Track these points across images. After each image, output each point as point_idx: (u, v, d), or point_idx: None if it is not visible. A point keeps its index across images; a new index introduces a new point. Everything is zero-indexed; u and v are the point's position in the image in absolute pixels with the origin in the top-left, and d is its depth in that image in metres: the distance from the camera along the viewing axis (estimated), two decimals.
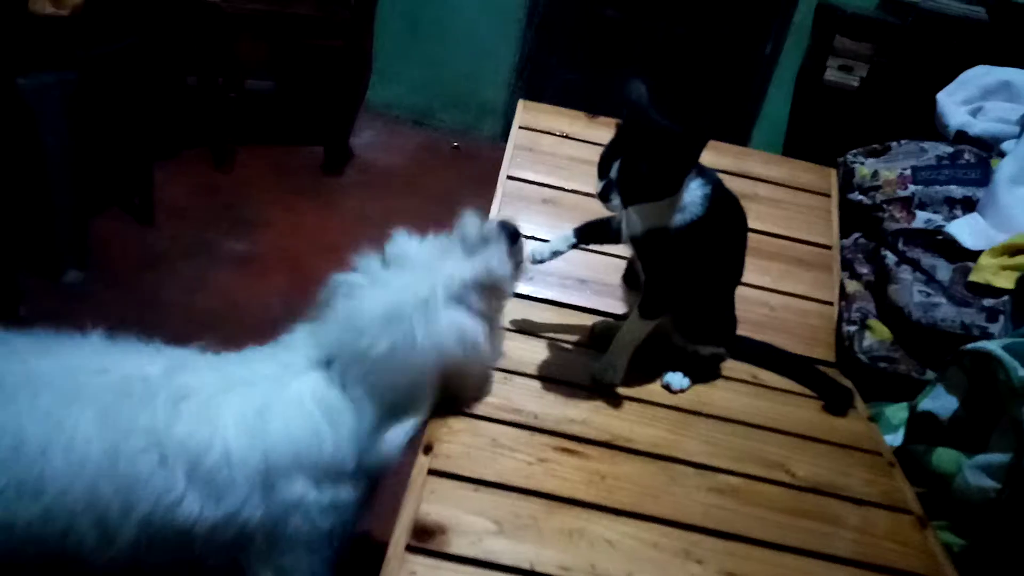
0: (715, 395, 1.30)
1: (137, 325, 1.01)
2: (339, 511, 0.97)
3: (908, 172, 1.58)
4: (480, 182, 1.79)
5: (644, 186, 1.10)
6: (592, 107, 1.73)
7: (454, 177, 3.17)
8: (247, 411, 0.94)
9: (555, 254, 1.25)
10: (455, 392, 1.09)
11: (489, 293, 1.07)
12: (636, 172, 1.08)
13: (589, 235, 1.27)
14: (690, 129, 1.08)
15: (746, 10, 3.40)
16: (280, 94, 3.44)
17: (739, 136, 3.53)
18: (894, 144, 1.66)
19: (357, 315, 0.99)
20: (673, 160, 1.09)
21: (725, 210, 1.20)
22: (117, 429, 0.88)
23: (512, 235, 1.10)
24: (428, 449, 1.03)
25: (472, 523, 0.93)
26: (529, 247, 1.20)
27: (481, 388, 1.16)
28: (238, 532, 0.92)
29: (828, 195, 1.65)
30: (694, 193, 1.14)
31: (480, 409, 1.12)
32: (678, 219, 1.13)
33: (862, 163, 1.66)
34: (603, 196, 1.12)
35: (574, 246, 1.26)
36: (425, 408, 1.04)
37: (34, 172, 1.89)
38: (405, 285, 1.01)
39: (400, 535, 0.89)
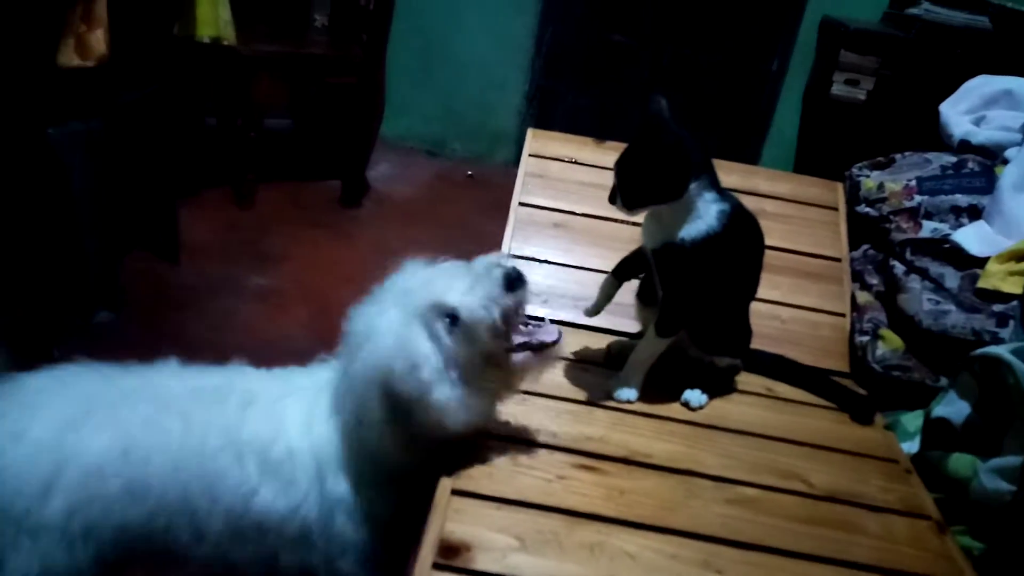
0: (731, 409, 1.32)
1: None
2: (374, 518, 1.03)
3: (913, 183, 1.60)
4: (495, 208, 1.84)
5: (640, 187, 1.15)
6: (603, 131, 1.78)
7: (469, 205, 3.22)
8: (301, 413, 1.03)
9: (606, 300, 1.32)
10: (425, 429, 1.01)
11: (463, 333, 0.98)
12: (632, 174, 1.13)
13: (626, 270, 1.32)
14: (679, 132, 1.12)
15: (751, 29, 3.44)
16: (297, 132, 3.52)
17: (749, 154, 3.56)
18: (898, 156, 1.69)
19: (348, 334, 1.04)
20: (663, 161, 1.13)
21: (742, 228, 1.23)
22: (198, 432, 0.99)
23: (510, 281, 0.99)
24: (451, 470, 1.06)
25: (495, 540, 0.96)
26: (556, 288, 1.23)
27: (443, 429, 0.99)
28: (300, 526, 1.00)
29: (835, 208, 1.68)
30: (709, 207, 1.17)
31: (499, 430, 1.16)
32: (692, 231, 1.17)
33: (868, 176, 1.69)
34: (611, 199, 1.19)
35: (618, 286, 1.31)
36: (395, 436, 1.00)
37: (64, 217, 1.95)
38: (385, 306, 1.01)
39: (426, 553, 0.92)
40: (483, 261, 1.03)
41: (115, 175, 2.04)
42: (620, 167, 1.17)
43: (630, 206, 1.17)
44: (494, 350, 1.00)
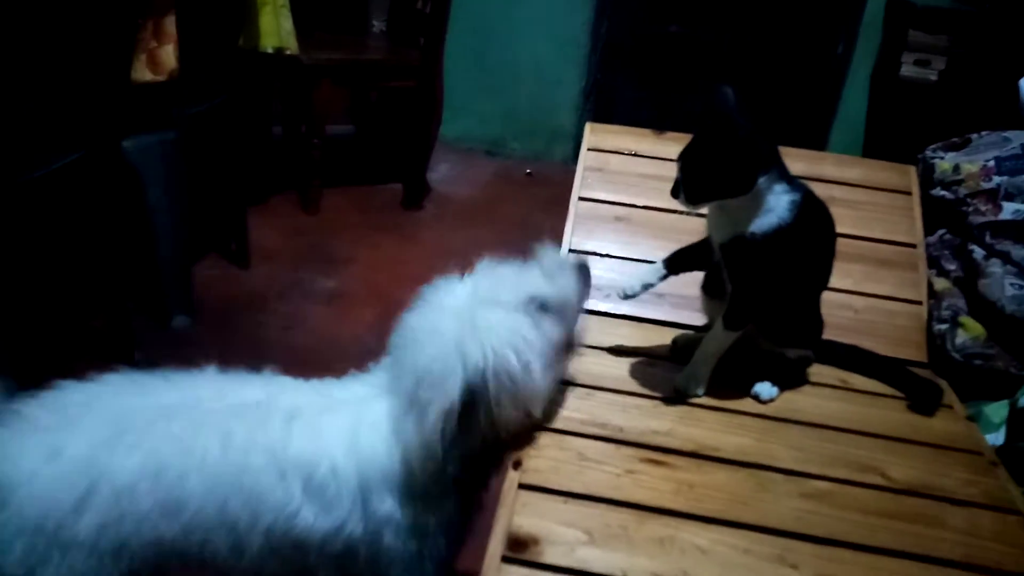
0: (803, 401, 1.29)
1: (241, 363, 1.10)
2: (424, 533, 1.02)
3: (991, 163, 1.54)
4: (555, 205, 1.83)
5: (705, 181, 1.12)
6: (662, 124, 1.75)
7: (529, 203, 3.23)
8: (345, 429, 1.01)
9: (646, 287, 1.26)
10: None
11: (554, 320, 1.06)
12: (697, 167, 1.10)
13: (679, 263, 1.27)
14: (747, 124, 1.09)
15: (814, 12, 3.35)
16: (359, 137, 3.58)
17: (816, 140, 3.47)
18: (974, 136, 1.63)
19: (402, 331, 1.05)
20: (730, 155, 1.10)
21: (814, 217, 1.20)
22: (240, 449, 0.97)
23: (584, 272, 1.10)
24: (517, 464, 1.06)
25: (564, 534, 0.96)
26: (617, 281, 1.22)
27: (523, 419, 1.04)
28: (345, 544, 0.99)
29: (909, 193, 1.62)
30: (780, 198, 1.14)
31: (565, 424, 1.15)
32: (763, 224, 1.14)
33: (942, 158, 1.63)
34: (673, 192, 1.16)
35: (665, 277, 1.27)
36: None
37: (141, 227, 2.04)
38: (453, 302, 1.03)
39: (496, 547, 0.92)
40: (548, 254, 1.09)
41: (188, 184, 2.11)
42: (684, 160, 1.14)
43: (694, 200, 1.15)
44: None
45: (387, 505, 1.00)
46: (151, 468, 0.94)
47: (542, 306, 1.04)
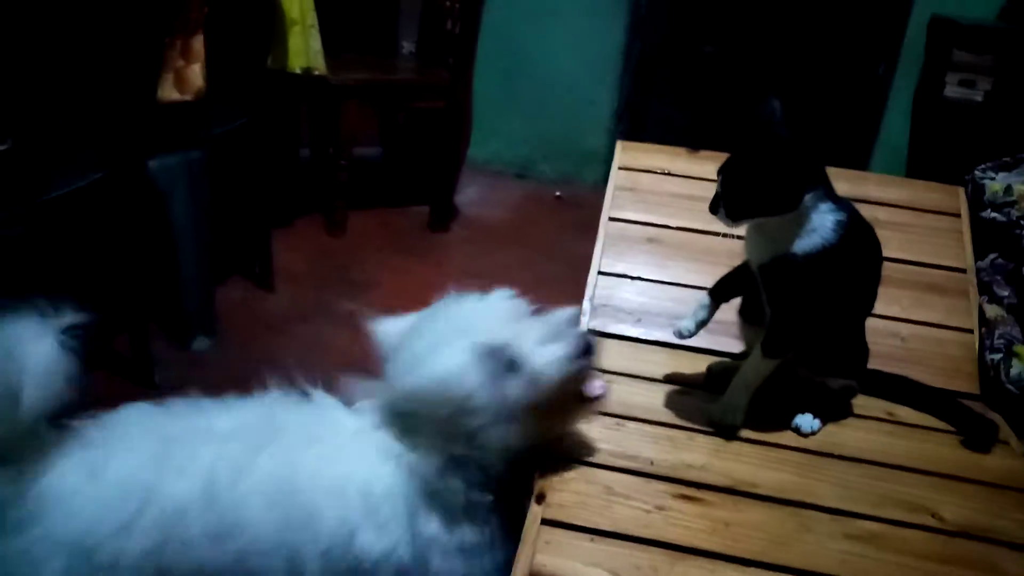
0: (847, 434, 1.21)
1: (263, 387, 1.07)
2: (469, 554, 0.98)
3: None
4: (584, 229, 1.78)
5: (748, 197, 1.05)
6: (696, 145, 1.69)
7: (558, 226, 3.18)
8: (392, 448, 1.00)
9: (700, 325, 1.21)
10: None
11: (525, 381, 0.98)
12: (739, 182, 1.04)
13: (724, 291, 1.22)
14: (794, 138, 1.03)
15: (853, 31, 3.28)
16: (388, 160, 3.56)
17: (857, 164, 3.37)
18: None
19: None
20: (777, 169, 1.04)
21: (860, 238, 1.13)
22: (296, 471, 0.96)
23: (584, 346, 1.01)
24: (541, 499, 1.00)
25: (589, 574, 0.89)
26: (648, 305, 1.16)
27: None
28: (396, 568, 0.96)
29: (957, 215, 1.54)
30: (824, 217, 1.07)
31: (592, 456, 1.09)
32: (806, 244, 1.07)
33: (992, 178, 1.54)
34: (712, 208, 1.09)
35: (715, 309, 1.22)
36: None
37: (164, 247, 2.02)
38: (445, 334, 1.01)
39: None
40: (562, 315, 1.03)
41: (212, 205, 2.09)
42: (726, 173, 1.08)
43: (735, 217, 1.08)
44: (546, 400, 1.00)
45: (433, 526, 0.98)
46: (201, 491, 0.92)
47: (511, 363, 0.98)
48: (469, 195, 3.40)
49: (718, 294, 1.22)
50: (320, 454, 0.98)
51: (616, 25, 3.44)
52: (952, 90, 2.82)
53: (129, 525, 0.89)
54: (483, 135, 3.42)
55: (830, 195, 1.09)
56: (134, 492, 0.91)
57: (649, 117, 3.57)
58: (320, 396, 1.07)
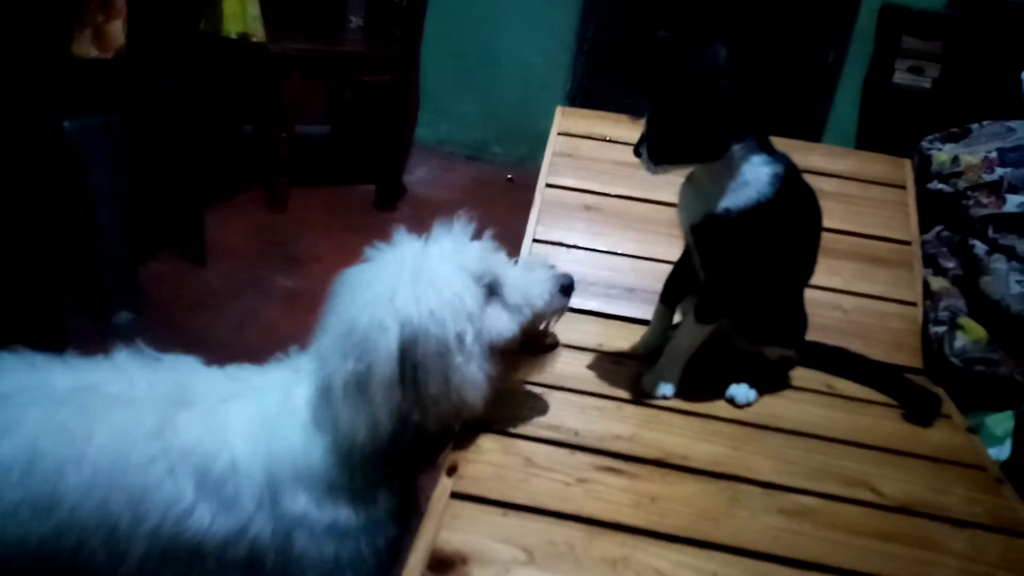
0: (784, 407, 1.16)
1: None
2: (343, 535, 0.88)
3: (994, 155, 1.42)
4: None
5: (672, 139, 0.99)
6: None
7: (508, 208, 3.07)
8: (253, 419, 0.89)
9: (662, 332, 1.21)
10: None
11: (509, 314, 0.93)
12: (663, 123, 0.97)
13: (675, 290, 1.18)
14: (729, 83, 0.96)
15: (805, 19, 3.26)
16: (335, 137, 3.47)
17: None
18: (975, 126, 1.51)
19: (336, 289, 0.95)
20: (701, 110, 0.97)
21: (798, 194, 1.07)
22: (126, 440, 0.85)
23: (566, 287, 0.97)
24: (452, 470, 0.92)
25: (499, 552, 0.82)
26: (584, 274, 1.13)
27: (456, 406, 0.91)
28: (250, 549, 0.87)
29: (903, 187, 1.50)
30: (758, 170, 1.01)
31: (513, 426, 1.02)
32: (739, 199, 1.01)
33: (939, 149, 1.51)
34: (636, 150, 1.04)
35: (672, 314, 1.20)
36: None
37: (81, 214, 1.90)
38: (398, 255, 0.94)
39: (415, 565, 0.78)
40: (539, 260, 0.99)
41: (134, 171, 1.97)
42: (651, 113, 1.01)
43: (657, 160, 1.01)
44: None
45: (300, 504, 0.88)
46: (24, 455, 0.82)
47: (493, 287, 0.93)
48: (419, 175, 3.32)
49: (669, 296, 1.18)
50: (162, 424, 0.86)
51: (570, 7, 3.39)
52: (901, 76, 2.82)
53: None
54: (435, 116, 3.34)
55: (764, 147, 1.02)
56: None
57: (602, 101, 3.51)
58: (182, 360, 0.96)
